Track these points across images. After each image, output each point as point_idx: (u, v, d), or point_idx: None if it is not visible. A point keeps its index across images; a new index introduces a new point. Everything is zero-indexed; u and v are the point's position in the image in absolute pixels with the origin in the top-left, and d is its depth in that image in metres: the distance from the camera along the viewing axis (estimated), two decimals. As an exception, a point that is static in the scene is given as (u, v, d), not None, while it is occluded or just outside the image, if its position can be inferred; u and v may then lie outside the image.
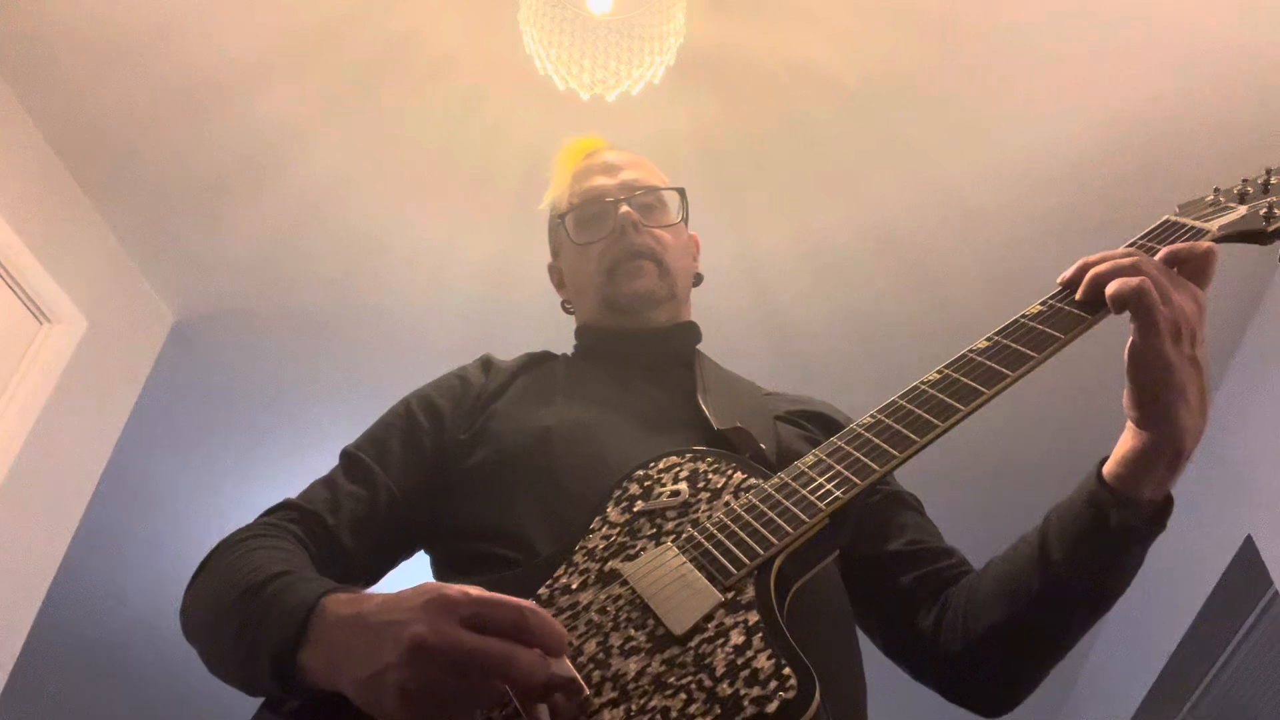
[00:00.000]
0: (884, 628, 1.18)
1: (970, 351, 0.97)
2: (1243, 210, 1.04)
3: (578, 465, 1.12)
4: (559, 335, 1.50)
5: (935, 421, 0.90)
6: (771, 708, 0.71)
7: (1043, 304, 0.98)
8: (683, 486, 0.98)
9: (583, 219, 1.42)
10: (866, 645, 1.14)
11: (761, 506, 0.90)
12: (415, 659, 0.74)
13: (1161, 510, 0.96)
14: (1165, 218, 1.06)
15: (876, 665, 1.16)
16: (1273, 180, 1.07)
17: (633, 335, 1.37)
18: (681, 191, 1.47)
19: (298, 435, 3.72)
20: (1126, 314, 0.90)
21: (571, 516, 1.01)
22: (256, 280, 3.21)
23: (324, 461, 1.24)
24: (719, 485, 0.96)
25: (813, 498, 0.88)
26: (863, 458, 0.91)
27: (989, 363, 0.94)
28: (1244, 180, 1.09)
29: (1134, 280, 0.89)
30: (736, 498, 0.93)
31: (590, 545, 0.94)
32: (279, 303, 3.27)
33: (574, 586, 0.90)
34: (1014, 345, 0.94)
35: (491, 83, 2.66)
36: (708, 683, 0.75)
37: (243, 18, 2.52)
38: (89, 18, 2.52)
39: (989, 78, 2.58)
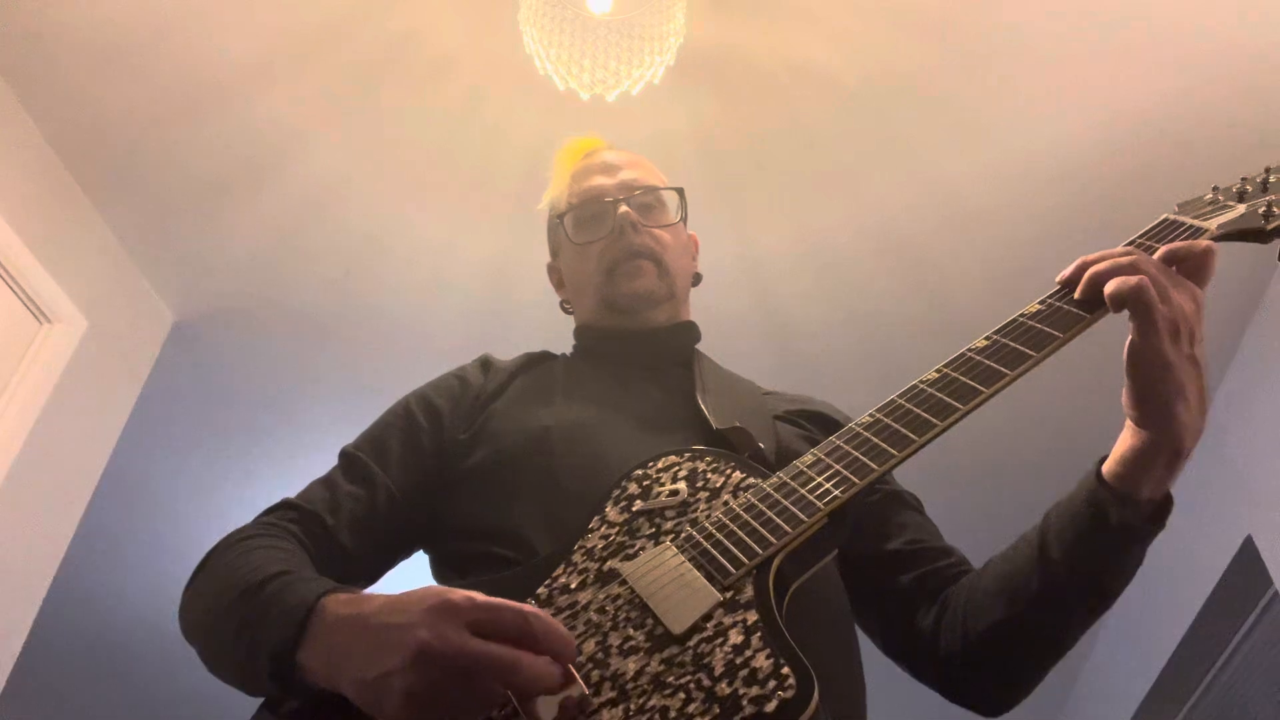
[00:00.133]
0: (883, 627, 1.18)
1: (969, 350, 0.97)
2: (1241, 209, 1.04)
3: (577, 465, 1.12)
4: (559, 335, 1.50)
5: (934, 420, 0.90)
6: (770, 707, 0.71)
7: (1041, 303, 0.98)
8: (681, 486, 0.98)
9: (581, 219, 1.42)
10: (866, 645, 1.14)
11: (760, 506, 0.90)
12: (420, 663, 0.74)
13: (1161, 509, 0.96)
14: (1164, 216, 1.06)
15: (876, 665, 1.16)
16: (1272, 179, 1.07)
17: (632, 335, 1.37)
18: (680, 191, 1.47)
19: (298, 435, 3.72)
20: (1125, 313, 0.90)
21: (570, 516, 1.01)
22: (256, 280, 3.21)
23: (324, 461, 1.24)
24: (718, 485, 0.96)
25: (811, 497, 0.88)
26: (861, 457, 0.90)
27: (988, 362, 0.94)
28: (1243, 179, 1.08)
29: (1132, 279, 0.89)
30: (735, 497, 0.93)
31: (589, 545, 0.94)
32: (279, 303, 3.27)
33: (573, 586, 0.90)
34: (1013, 344, 0.94)
35: (491, 83, 2.66)
36: (706, 682, 0.75)
37: (243, 18, 2.52)
38: (89, 18, 2.52)
39: (989, 78, 2.58)
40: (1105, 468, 0.97)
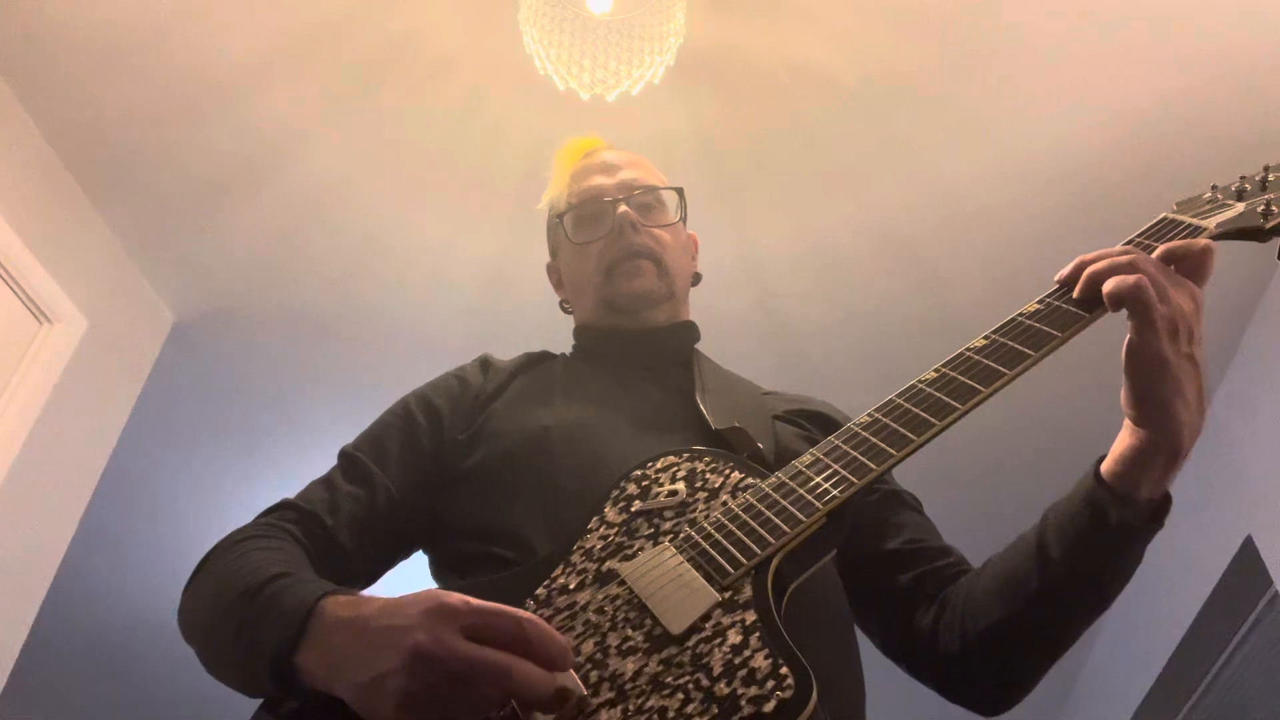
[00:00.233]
0: (882, 627, 1.18)
1: (968, 350, 0.97)
2: (1240, 207, 1.04)
3: (576, 465, 1.12)
4: (559, 335, 1.50)
5: (933, 420, 0.90)
6: (768, 707, 0.71)
7: (1040, 302, 0.98)
8: (680, 486, 0.98)
9: (581, 218, 1.42)
10: (866, 645, 1.14)
11: (759, 506, 0.90)
12: (416, 666, 0.75)
13: (1160, 508, 0.95)
14: (1163, 215, 1.06)
15: (876, 665, 1.16)
16: (1271, 177, 1.07)
17: (631, 335, 1.37)
18: (680, 191, 1.47)
19: (298, 435, 3.72)
20: (1124, 312, 0.90)
21: (569, 516, 1.01)
22: (256, 280, 3.21)
23: (324, 461, 1.24)
24: (716, 485, 0.96)
25: (810, 497, 0.88)
26: (860, 457, 0.90)
27: (986, 361, 0.94)
28: (1242, 177, 1.08)
29: (1131, 278, 0.89)
30: (734, 497, 0.93)
31: (588, 545, 0.94)
32: (279, 303, 3.27)
33: (571, 586, 0.90)
34: (1011, 343, 0.94)
35: (491, 83, 2.66)
36: (705, 682, 0.75)
37: (243, 18, 2.52)
38: (89, 18, 2.52)
39: (989, 78, 2.58)
40: (1104, 467, 0.97)
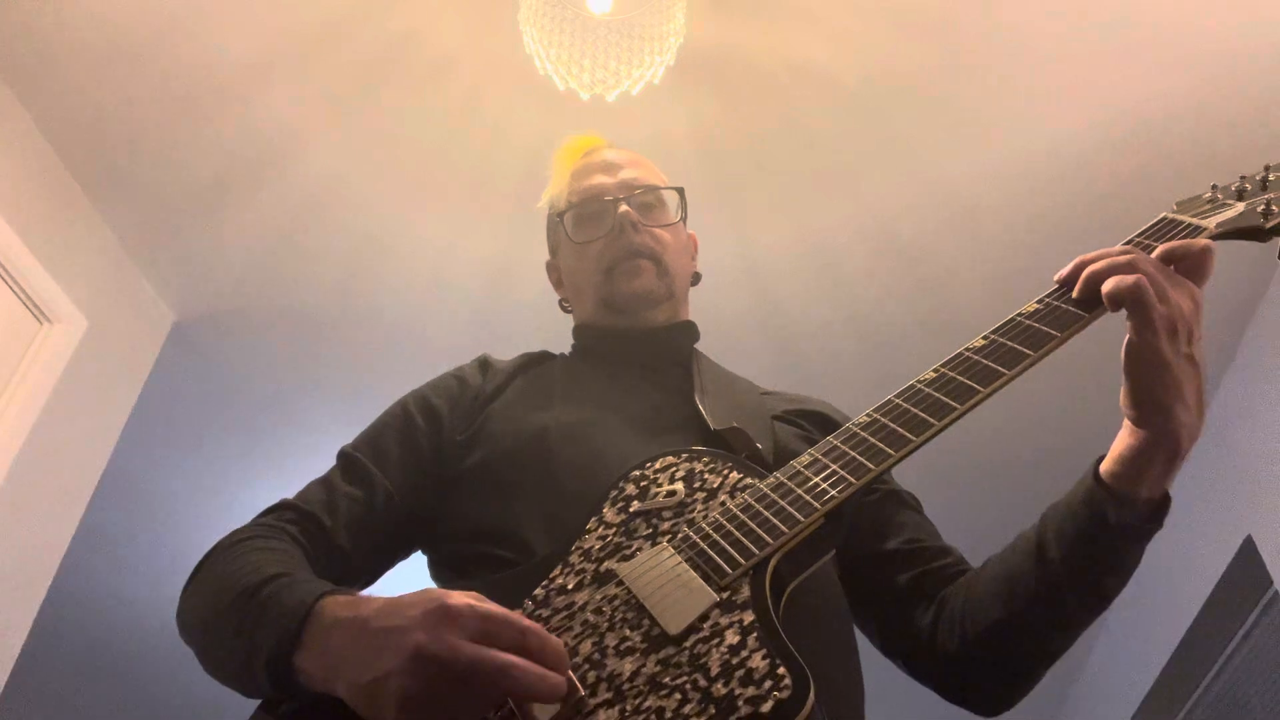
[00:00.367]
0: (881, 626, 1.18)
1: (967, 350, 0.96)
2: (1240, 207, 1.03)
3: (574, 466, 1.12)
4: (558, 335, 1.50)
5: (931, 420, 0.90)
6: (766, 707, 0.71)
7: (1039, 302, 0.98)
8: (679, 487, 0.97)
9: (581, 217, 1.42)
10: (865, 645, 1.14)
11: (757, 506, 0.90)
12: (415, 667, 0.74)
13: (1159, 508, 0.95)
14: (1162, 215, 1.05)
15: (875, 665, 1.16)
16: (1271, 177, 1.07)
17: (631, 335, 1.37)
18: (680, 191, 1.46)
19: (298, 435, 3.72)
20: (1123, 312, 0.90)
21: (568, 517, 1.01)
22: (256, 280, 3.21)
23: (323, 462, 1.24)
24: (715, 485, 0.96)
25: (808, 497, 0.88)
26: (859, 457, 0.90)
27: (985, 361, 0.93)
28: (1242, 177, 1.08)
29: (1130, 278, 0.89)
30: (732, 497, 0.93)
31: (586, 545, 0.94)
32: (279, 303, 3.27)
33: (570, 587, 0.90)
34: (1010, 343, 0.94)
35: (491, 83, 2.66)
36: (703, 683, 0.75)
37: (243, 18, 2.52)
38: (89, 18, 2.53)
39: (989, 78, 2.58)
40: (1103, 467, 0.97)
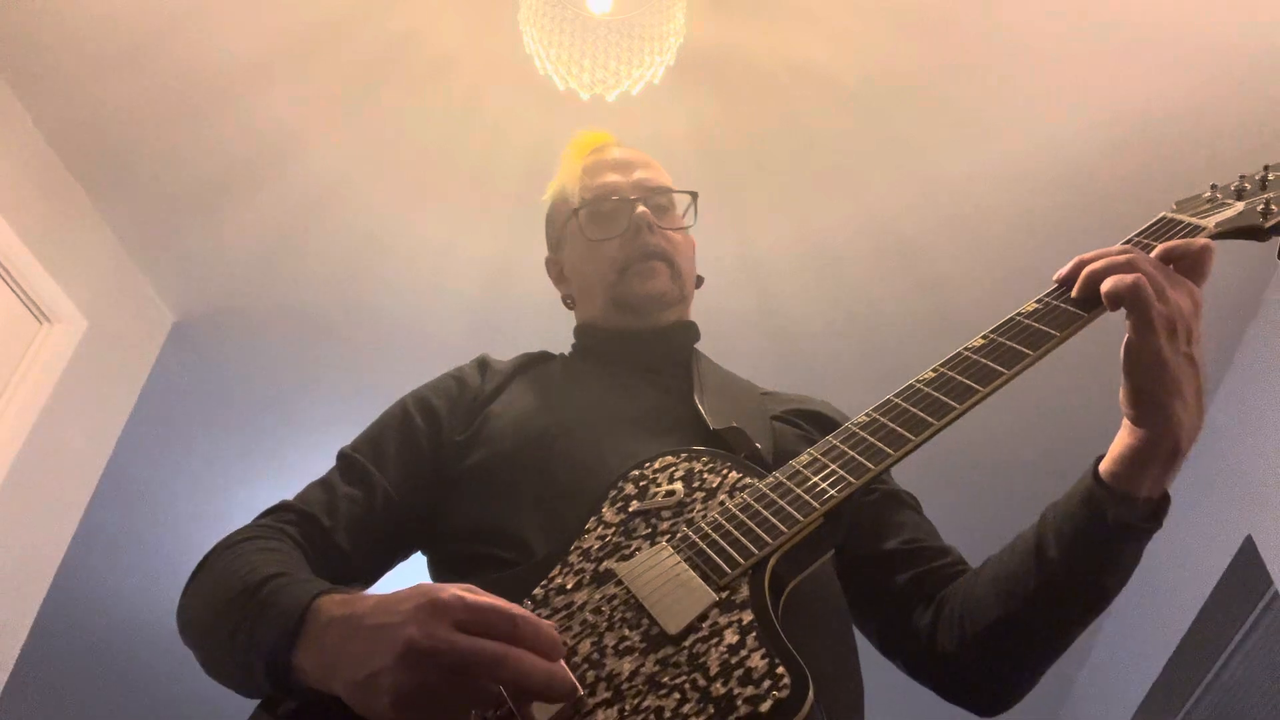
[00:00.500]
0: (880, 626, 1.18)
1: (966, 349, 0.96)
2: (1240, 206, 1.03)
3: (573, 466, 1.12)
4: (558, 335, 1.50)
5: (930, 420, 0.90)
6: (765, 707, 0.71)
7: (1038, 301, 0.97)
8: (678, 486, 0.97)
9: (596, 215, 1.40)
10: (865, 644, 1.14)
11: (756, 506, 0.90)
12: (408, 661, 0.74)
13: (1158, 508, 0.95)
14: (1162, 214, 1.05)
15: (875, 664, 1.16)
16: (1270, 176, 1.06)
17: (633, 335, 1.37)
18: (694, 195, 1.46)
19: (298, 435, 3.72)
20: (1122, 311, 0.90)
21: (567, 517, 1.01)
22: (256, 280, 3.21)
23: (323, 461, 1.24)
24: (714, 485, 0.96)
25: (808, 496, 0.88)
26: (858, 456, 0.90)
27: (984, 361, 0.93)
28: (1241, 177, 1.08)
29: (1129, 277, 0.89)
30: (731, 497, 0.93)
31: (585, 545, 0.94)
32: (279, 303, 3.27)
33: (569, 586, 0.90)
34: (1009, 343, 0.94)
35: (491, 83, 2.66)
36: (701, 682, 0.75)
37: (243, 18, 2.52)
38: (89, 18, 2.53)
39: (989, 78, 2.58)
40: (1102, 467, 0.96)
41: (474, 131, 2.77)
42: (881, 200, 2.88)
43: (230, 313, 3.32)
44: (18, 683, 2.91)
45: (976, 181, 2.80)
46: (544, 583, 0.91)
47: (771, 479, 0.93)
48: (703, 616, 0.80)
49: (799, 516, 0.86)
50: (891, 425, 0.92)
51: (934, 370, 0.96)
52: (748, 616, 0.79)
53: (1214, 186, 1.10)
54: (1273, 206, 1.01)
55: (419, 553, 1.24)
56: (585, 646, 0.82)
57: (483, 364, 1.36)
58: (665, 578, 0.86)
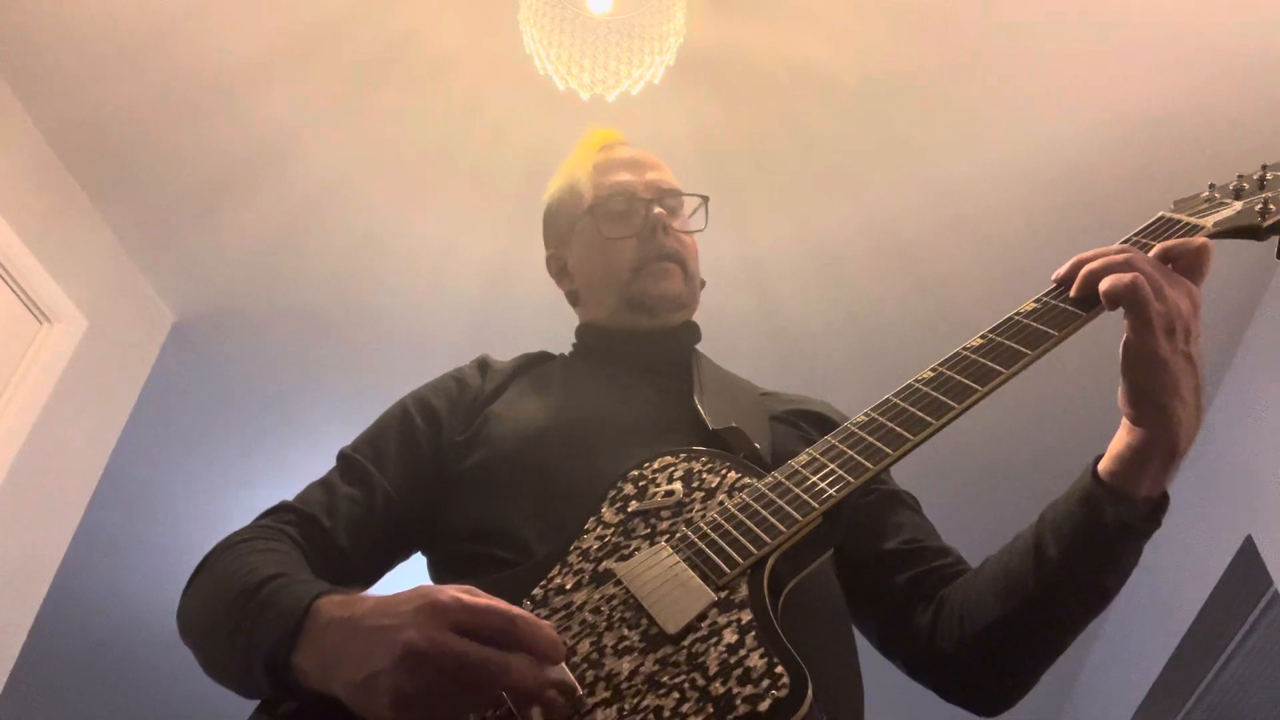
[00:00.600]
0: (880, 626, 1.18)
1: (964, 349, 0.96)
2: (1238, 206, 1.03)
3: (573, 466, 1.12)
4: (558, 335, 1.50)
5: (929, 419, 0.90)
6: (764, 706, 0.71)
7: (1037, 301, 0.97)
8: (677, 486, 0.97)
9: (609, 214, 1.40)
10: (865, 644, 1.14)
11: (755, 505, 0.90)
12: (407, 664, 0.75)
13: (1157, 507, 0.95)
14: (1160, 214, 1.05)
15: (875, 664, 1.16)
16: (1269, 176, 1.06)
17: (634, 335, 1.37)
18: (705, 199, 1.47)
19: (298, 435, 3.72)
20: (1121, 310, 0.90)
21: (567, 517, 1.01)
22: (256, 280, 3.21)
23: (323, 461, 1.24)
24: (713, 485, 0.96)
25: (806, 496, 0.88)
26: (857, 456, 0.90)
27: (983, 360, 0.93)
28: (1240, 176, 1.08)
29: (1127, 276, 0.89)
30: (730, 497, 0.93)
31: (585, 545, 0.94)
32: (279, 303, 3.27)
33: (568, 586, 0.90)
34: (1008, 343, 0.94)
35: (491, 83, 2.66)
36: (700, 682, 0.75)
37: (243, 18, 2.52)
38: (89, 18, 2.53)
39: (989, 78, 2.58)
40: (1101, 466, 0.97)
41: (474, 131, 2.77)
42: (881, 200, 2.88)
43: (230, 313, 3.32)
44: (18, 683, 2.92)
45: (976, 181, 2.80)
46: (543, 583, 0.91)
47: (770, 479, 0.93)
48: (702, 616, 0.80)
49: (798, 516, 0.86)
50: (890, 425, 0.92)
51: (933, 370, 0.96)
52: (746, 616, 0.79)
53: (1212, 186, 1.10)
54: (1271, 206, 1.01)
55: (419, 553, 1.24)
56: (584, 646, 0.82)
57: (483, 364, 1.36)
58: (664, 577, 0.86)
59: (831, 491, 0.88)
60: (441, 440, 1.23)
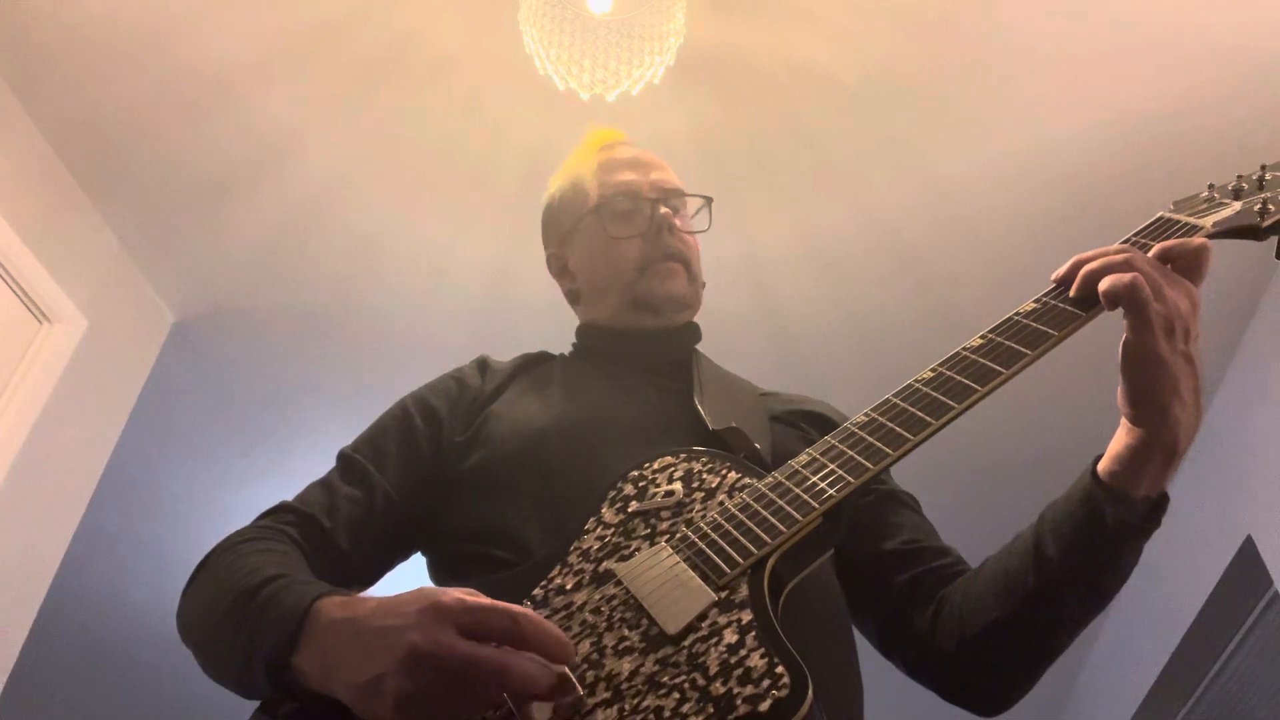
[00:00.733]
0: (880, 627, 1.18)
1: (964, 349, 0.96)
2: (1237, 206, 1.03)
3: (573, 466, 1.12)
4: (558, 335, 1.50)
5: (929, 419, 0.90)
6: (764, 706, 0.71)
7: (1036, 301, 0.97)
8: (677, 487, 0.97)
9: (615, 213, 1.40)
10: (865, 644, 1.14)
11: (755, 505, 0.90)
12: (411, 666, 0.74)
13: (1157, 507, 0.95)
14: (1159, 214, 1.05)
15: (875, 664, 1.16)
16: (1268, 176, 1.06)
17: (636, 334, 1.37)
18: (709, 200, 1.47)
19: (298, 435, 3.72)
20: (1120, 310, 0.90)
21: (567, 517, 1.00)
22: (256, 280, 3.21)
23: (323, 461, 1.24)
24: (713, 485, 0.96)
25: (806, 496, 0.88)
26: (856, 456, 0.90)
27: (982, 360, 0.93)
28: (1239, 176, 1.08)
29: (1126, 276, 0.89)
30: (731, 497, 0.93)
31: (585, 546, 0.94)
32: (279, 303, 3.27)
33: (568, 587, 0.90)
34: (1007, 343, 0.94)
35: (491, 83, 2.66)
36: (701, 682, 0.75)
37: (243, 18, 2.52)
38: (89, 18, 2.53)
39: (989, 78, 2.58)
40: (1101, 466, 0.96)
41: (474, 131, 2.77)
42: (881, 200, 2.88)
43: (230, 313, 3.32)
44: (18, 683, 2.91)
45: (976, 182, 2.80)
46: (543, 583, 0.91)
47: (770, 479, 0.93)
48: (702, 616, 0.80)
49: (798, 516, 0.86)
50: (890, 425, 0.92)
51: (932, 370, 0.96)
52: (747, 616, 0.79)
53: (1211, 186, 1.10)
54: (1270, 206, 1.01)
55: (419, 553, 1.24)
56: (585, 647, 0.82)
57: (483, 365, 1.36)
58: (664, 578, 0.86)
59: (831, 492, 0.88)
60: (441, 440, 1.23)
